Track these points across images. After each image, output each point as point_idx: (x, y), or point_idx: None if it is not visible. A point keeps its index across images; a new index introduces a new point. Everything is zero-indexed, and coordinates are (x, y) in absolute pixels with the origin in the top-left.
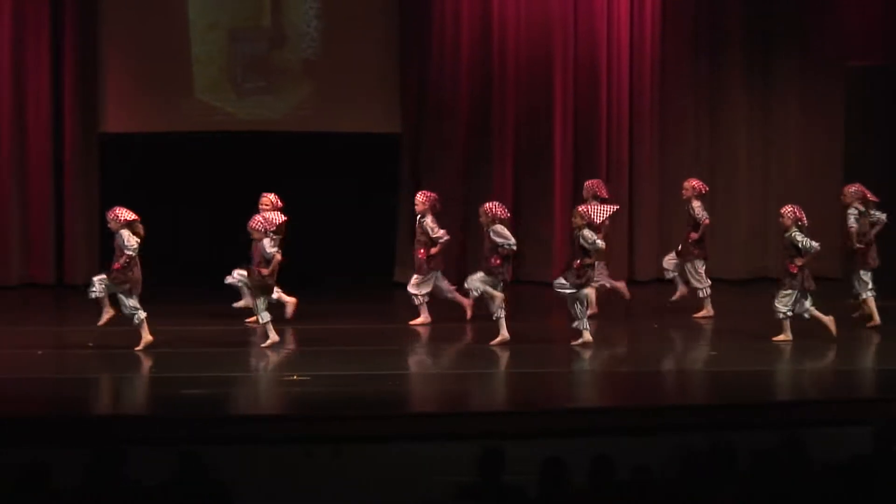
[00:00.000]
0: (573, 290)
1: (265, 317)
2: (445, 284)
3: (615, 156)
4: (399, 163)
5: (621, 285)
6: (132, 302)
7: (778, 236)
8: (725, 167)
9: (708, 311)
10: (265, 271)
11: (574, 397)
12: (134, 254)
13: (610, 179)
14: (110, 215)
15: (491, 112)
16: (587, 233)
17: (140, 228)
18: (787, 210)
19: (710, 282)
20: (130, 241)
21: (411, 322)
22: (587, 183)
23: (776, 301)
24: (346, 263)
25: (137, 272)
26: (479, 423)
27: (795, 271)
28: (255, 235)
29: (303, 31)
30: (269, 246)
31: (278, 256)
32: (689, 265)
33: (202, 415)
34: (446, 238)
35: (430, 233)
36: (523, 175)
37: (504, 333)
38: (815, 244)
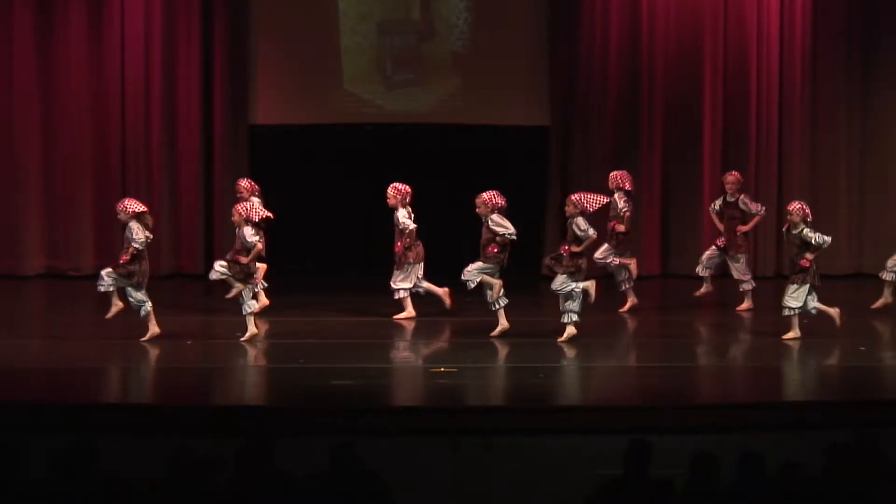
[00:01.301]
0: (568, 284)
1: (248, 308)
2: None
3: (764, 147)
4: (548, 155)
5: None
6: (139, 295)
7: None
8: (876, 160)
9: (749, 304)
10: (243, 259)
11: (720, 392)
12: (141, 247)
13: (759, 172)
14: (119, 206)
15: (639, 104)
16: (580, 221)
17: (149, 220)
18: (796, 207)
19: (751, 274)
20: (138, 234)
21: (395, 317)
22: (612, 174)
23: (787, 297)
24: None
25: (145, 265)
26: (626, 417)
27: (808, 265)
28: (235, 219)
29: (452, 23)
30: (249, 234)
31: (259, 245)
32: (733, 259)
33: (350, 406)
34: (413, 227)
35: (399, 225)
36: (671, 167)
37: (503, 323)
38: (827, 238)
